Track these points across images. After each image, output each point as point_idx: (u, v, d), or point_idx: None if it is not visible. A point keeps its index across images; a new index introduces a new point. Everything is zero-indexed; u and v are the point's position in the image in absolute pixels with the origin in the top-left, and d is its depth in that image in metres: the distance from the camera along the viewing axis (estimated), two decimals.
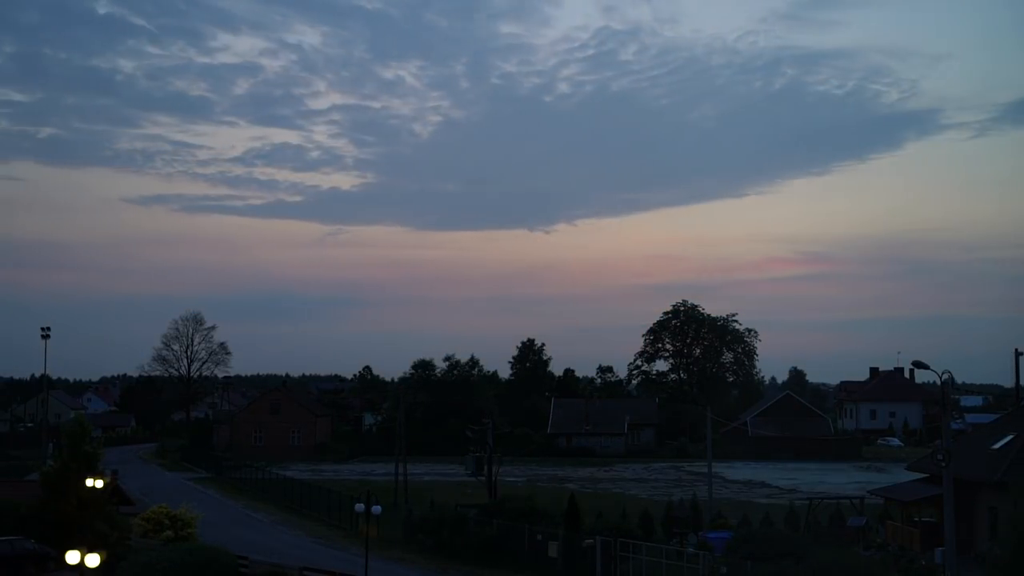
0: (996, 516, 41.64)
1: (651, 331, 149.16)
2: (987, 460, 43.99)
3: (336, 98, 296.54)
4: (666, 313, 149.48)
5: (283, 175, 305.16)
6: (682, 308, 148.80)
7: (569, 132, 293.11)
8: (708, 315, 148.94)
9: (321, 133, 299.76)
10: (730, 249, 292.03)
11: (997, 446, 44.86)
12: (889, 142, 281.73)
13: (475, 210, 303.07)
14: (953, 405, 30.25)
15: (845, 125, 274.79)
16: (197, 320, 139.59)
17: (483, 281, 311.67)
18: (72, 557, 28.35)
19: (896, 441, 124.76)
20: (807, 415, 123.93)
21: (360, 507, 37.73)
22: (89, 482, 40.68)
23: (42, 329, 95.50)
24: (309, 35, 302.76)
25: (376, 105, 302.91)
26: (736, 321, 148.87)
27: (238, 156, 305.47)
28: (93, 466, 42.18)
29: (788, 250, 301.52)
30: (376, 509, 37.37)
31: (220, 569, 37.04)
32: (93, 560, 28.33)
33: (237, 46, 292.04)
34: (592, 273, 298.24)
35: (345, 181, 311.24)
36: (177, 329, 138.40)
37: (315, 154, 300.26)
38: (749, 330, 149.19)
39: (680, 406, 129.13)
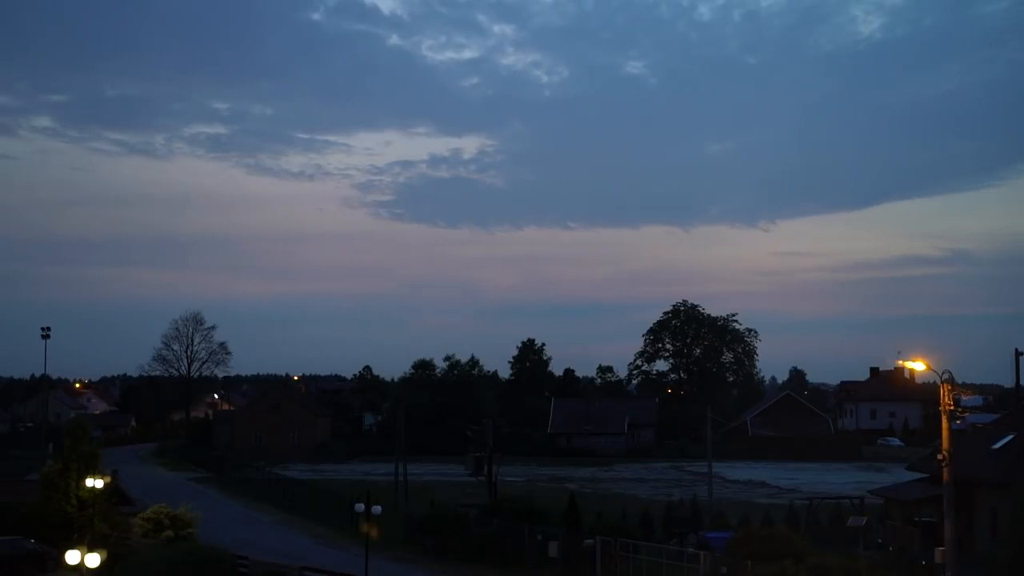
0: (996, 516, 41.66)
1: (651, 331, 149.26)
2: (987, 460, 44.00)
3: None
4: (666, 313, 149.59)
5: None
6: (682, 308, 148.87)
7: None
8: (708, 315, 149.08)
9: None
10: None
11: (997, 446, 44.88)
12: None
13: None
14: (955, 404, 30.14)
15: None
16: (197, 320, 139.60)
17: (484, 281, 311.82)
18: (72, 557, 28.38)
19: (896, 441, 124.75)
20: (807, 415, 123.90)
21: (360, 507, 37.70)
22: (89, 482, 40.68)
23: (42, 329, 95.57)
24: None
25: None
26: (736, 321, 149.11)
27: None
28: (93, 466, 42.20)
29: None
30: (376, 509, 37.34)
31: (220, 569, 37.07)
32: (93, 560, 28.36)
33: None
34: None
35: None
36: (177, 329, 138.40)
37: None
38: (749, 330, 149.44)
39: (680, 406, 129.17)
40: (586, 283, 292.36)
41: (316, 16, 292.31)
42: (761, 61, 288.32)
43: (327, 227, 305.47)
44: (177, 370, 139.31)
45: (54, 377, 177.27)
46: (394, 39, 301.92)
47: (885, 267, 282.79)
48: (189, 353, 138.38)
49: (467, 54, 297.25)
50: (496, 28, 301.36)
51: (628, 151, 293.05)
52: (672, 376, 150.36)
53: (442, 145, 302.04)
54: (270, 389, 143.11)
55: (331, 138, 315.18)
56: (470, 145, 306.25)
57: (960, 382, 30.74)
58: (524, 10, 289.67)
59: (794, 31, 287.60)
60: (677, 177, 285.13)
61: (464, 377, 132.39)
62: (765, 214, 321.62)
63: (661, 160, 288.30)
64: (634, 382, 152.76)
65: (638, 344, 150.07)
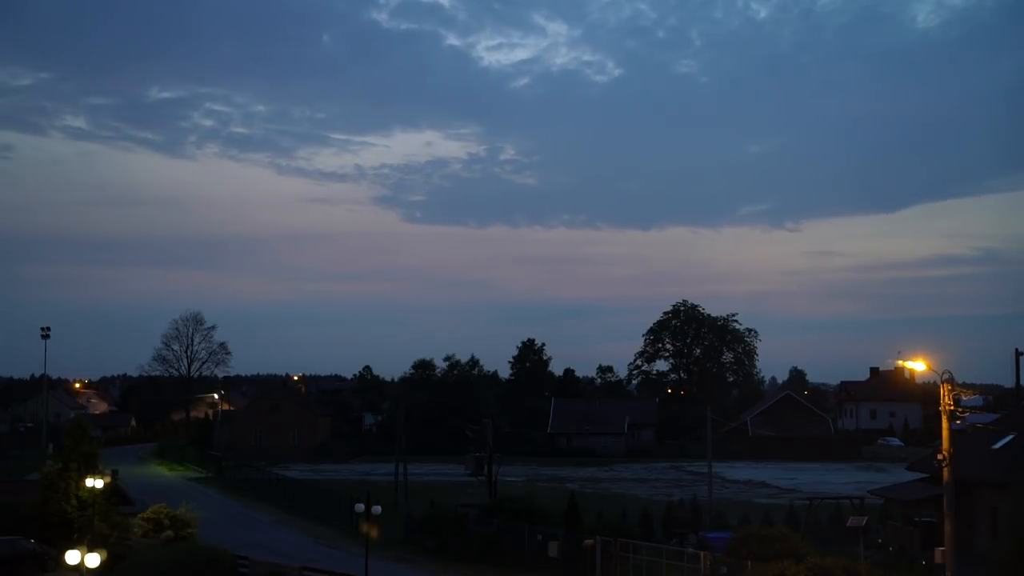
0: (996, 516, 41.68)
1: (651, 331, 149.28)
2: (987, 460, 44.00)
3: None
4: (666, 313, 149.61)
5: None
6: (682, 308, 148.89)
7: None
8: (708, 315, 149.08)
9: None
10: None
11: (997, 446, 44.87)
12: None
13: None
14: (955, 404, 30.14)
15: None
16: (197, 320, 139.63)
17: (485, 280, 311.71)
18: (72, 557, 28.38)
19: (896, 441, 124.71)
20: (807, 415, 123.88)
21: (360, 507, 37.71)
22: (89, 482, 40.71)
23: (42, 329, 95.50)
24: None
25: None
26: (736, 321, 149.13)
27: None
28: (93, 466, 42.22)
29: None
30: (376, 509, 37.35)
31: (220, 569, 37.08)
32: (93, 560, 28.36)
33: None
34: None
35: None
36: (177, 329, 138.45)
37: None
38: (749, 330, 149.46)
39: (680, 406, 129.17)
40: (600, 284, 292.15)
41: (377, 16, 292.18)
42: (812, 60, 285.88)
43: (331, 228, 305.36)
44: (177, 370, 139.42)
45: (54, 377, 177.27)
46: (451, 39, 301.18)
47: (915, 267, 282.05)
48: (189, 353, 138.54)
49: (520, 54, 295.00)
50: (551, 27, 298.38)
51: (668, 151, 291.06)
52: (672, 376, 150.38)
53: (481, 145, 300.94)
54: (270, 389, 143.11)
55: (369, 139, 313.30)
56: (509, 145, 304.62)
57: (968, 382, 30.71)
58: (580, 8, 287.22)
59: (848, 30, 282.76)
60: (713, 177, 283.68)
61: (464, 377, 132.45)
62: (794, 215, 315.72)
63: (701, 160, 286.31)
64: (634, 382, 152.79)
65: (638, 344, 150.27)
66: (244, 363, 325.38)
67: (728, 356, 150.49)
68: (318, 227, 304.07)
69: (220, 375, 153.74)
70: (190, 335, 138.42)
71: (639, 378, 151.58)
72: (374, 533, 38.08)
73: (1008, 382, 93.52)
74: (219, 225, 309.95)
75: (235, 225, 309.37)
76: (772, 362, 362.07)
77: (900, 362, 34.71)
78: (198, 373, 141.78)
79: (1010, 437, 44.94)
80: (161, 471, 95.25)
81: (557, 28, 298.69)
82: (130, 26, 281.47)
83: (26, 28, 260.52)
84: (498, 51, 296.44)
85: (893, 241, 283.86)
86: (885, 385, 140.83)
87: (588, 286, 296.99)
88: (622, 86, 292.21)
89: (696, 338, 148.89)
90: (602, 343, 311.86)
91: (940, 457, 29.64)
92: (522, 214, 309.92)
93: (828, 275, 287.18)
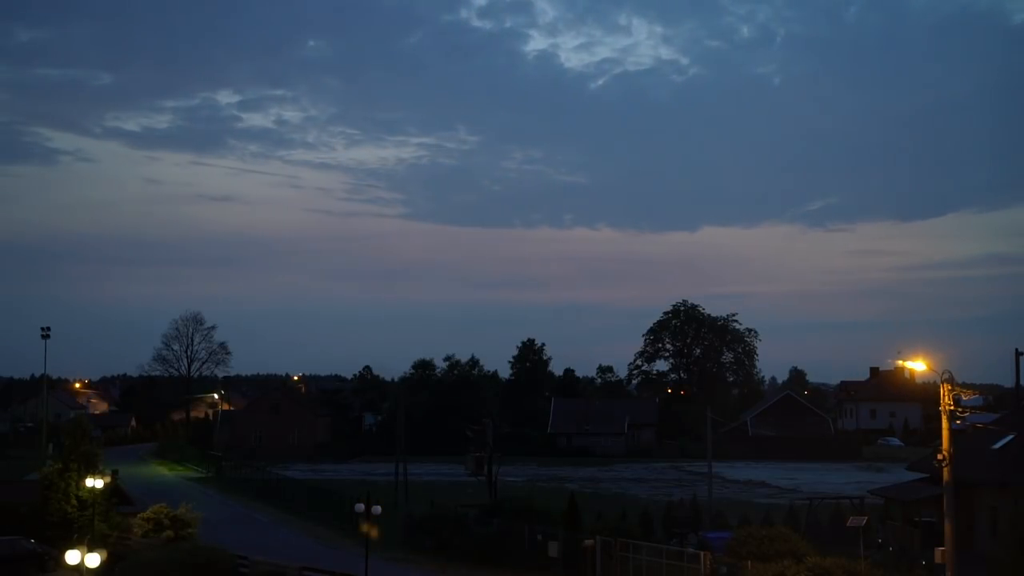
0: (996, 516, 41.67)
1: (651, 331, 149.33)
2: (987, 460, 43.99)
3: None
4: (666, 313, 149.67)
5: None
6: (682, 308, 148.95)
7: None
8: (708, 315, 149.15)
9: None
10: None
11: (997, 446, 44.87)
12: None
13: None
14: (955, 403, 30.14)
15: None
16: (197, 320, 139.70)
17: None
18: (72, 557, 28.39)
19: (896, 441, 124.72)
20: (807, 415, 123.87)
21: (360, 507, 37.71)
22: (89, 482, 40.71)
23: (42, 329, 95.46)
24: None
25: None
26: (736, 321, 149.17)
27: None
28: (93, 466, 42.23)
29: None
30: (376, 509, 37.35)
31: (220, 569, 37.06)
32: (93, 560, 28.37)
33: None
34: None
35: None
36: (177, 329, 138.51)
37: None
38: (749, 330, 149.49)
39: (680, 406, 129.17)
40: (614, 283, 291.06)
41: (465, 16, 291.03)
42: (900, 63, 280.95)
43: (336, 227, 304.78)
44: (177, 370, 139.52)
45: (54, 377, 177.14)
46: (536, 39, 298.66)
47: (920, 269, 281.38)
48: (189, 353, 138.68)
49: (601, 53, 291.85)
50: (634, 25, 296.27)
51: (730, 152, 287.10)
52: (672, 376, 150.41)
53: (537, 146, 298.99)
54: (270, 389, 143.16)
55: (425, 140, 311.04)
56: (569, 145, 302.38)
57: (969, 382, 30.73)
58: (664, 7, 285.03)
59: (939, 32, 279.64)
60: (769, 177, 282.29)
61: (464, 377, 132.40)
62: (842, 216, 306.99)
63: (764, 160, 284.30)
64: (634, 382, 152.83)
65: (638, 344, 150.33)
66: (244, 363, 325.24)
67: (728, 356, 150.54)
68: (317, 228, 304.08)
69: (220, 375, 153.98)
70: (190, 335, 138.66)
71: (639, 378, 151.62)
72: (374, 533, 38.07)
73: (1008, 382, 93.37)
74: (220, 225, 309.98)
75: (243, 225, 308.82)
76: (772, 362, 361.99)
77: (900, 362, 34.67)
78: (198, 373, 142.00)
79: (1010, 437, 44.94)
80: (161, 471, 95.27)
81: (639, 27, 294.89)
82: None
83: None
84: (581, 51, 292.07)
85: (896, 242, 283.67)
86: (885, 385, 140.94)
87: (601, 287, 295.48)
88: (694, 88, 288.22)
89: (696, 338, 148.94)
90: (602, 343, 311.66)
91: (940, 457, 29.63)
92: (570, 214, 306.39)
93: (829, 275, 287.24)
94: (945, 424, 29.46)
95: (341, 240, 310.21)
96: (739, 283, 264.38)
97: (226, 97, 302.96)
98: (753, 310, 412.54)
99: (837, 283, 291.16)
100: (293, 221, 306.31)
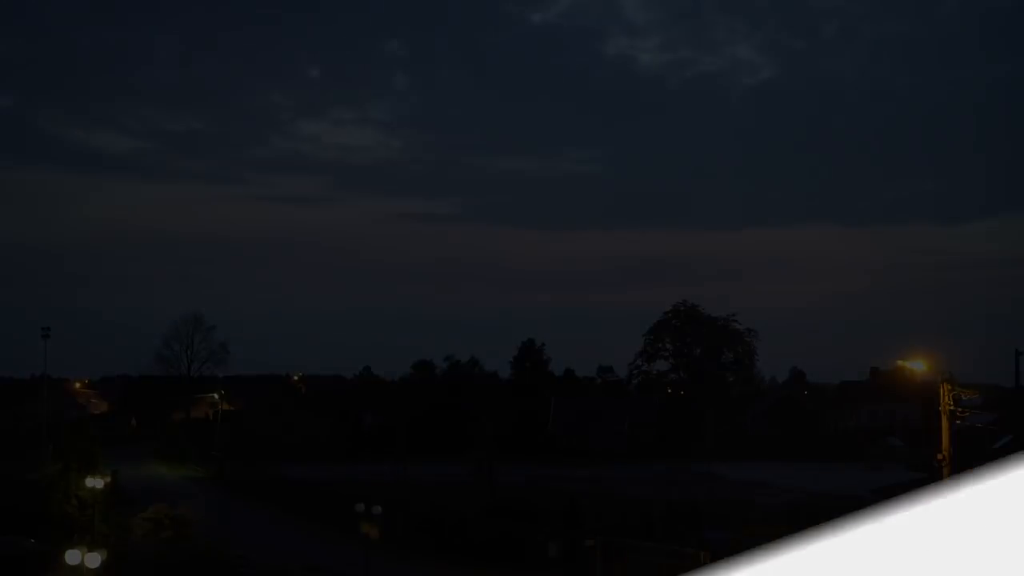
0: None
1: (651, 331, 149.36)
2: (986, 460, 44.01)
3: None
4: (666, 313, 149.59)
5: None
6: (682, 308, 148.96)
7: None
8: (708, 315, 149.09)
9: None
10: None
11: (996, 446, 44.89)
12: None
13: None
14: (955, 403, 30.17)
15: None
16: (197, 320, 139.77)
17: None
18: (72, 557, 28.42)
19: (897, 441, 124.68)
20: (807, 415, 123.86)
21: (360, 507, 37.74)
22: (89, 482, 40.73)
23: (42, 329, 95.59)
24: None
25: None
26: (736, 321, 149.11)
27: None
28: (93, 466, 42.25)
29: None
30: (376, 509, 37.37)
31: (220, 569, 37.09)
32: (93, 560, 28.40)
33: None
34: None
35: None
36: (177, 329, 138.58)
37: None
38: (749, 330, 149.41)
39: (680, 406, 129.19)
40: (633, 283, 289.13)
41: (544, 17, 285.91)
42: (1000, 65, 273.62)
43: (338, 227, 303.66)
44: (177, 370, 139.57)
45: (54, 377, 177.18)
46: (617, 38, 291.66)
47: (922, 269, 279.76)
48: (189, 353, 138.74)
49: (682, 52, 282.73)
50: (716, 21, 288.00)
51: (788, 152, 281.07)
52: (672, 376, 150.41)
53: (596, 146, 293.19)
54: (270, 389, 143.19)
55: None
56: (627, 146, 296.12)
57: (969, 382, 30.75)
58: (748, 4, 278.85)
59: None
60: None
61: (464, 377, 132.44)
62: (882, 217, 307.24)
63: (815, 161, 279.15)
64: (634, 382, 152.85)
65: (638, 344, 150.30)
66: (244, 363, 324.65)
67: (728, 356, 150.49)
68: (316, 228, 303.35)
69: (220, 375, 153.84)
70: (190, 335, 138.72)
71: (639, 378, 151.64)
72: (374, 533, 38.08)
73: (1008, 382, 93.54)
74: (220, 225, 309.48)
75: (243, 225, 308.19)
76: (772, 362, 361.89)
77: (900, 362, 34.72)
78: (198, 373, 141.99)
79: (1010, 437, 44.98)
80: (161, 471, 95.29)
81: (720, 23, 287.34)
82: None
83: None
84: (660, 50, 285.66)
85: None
86: (885, 385, 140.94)
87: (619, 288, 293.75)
88: (767, 87, 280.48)
89: (696, 338, 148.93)
90: (602, 343, 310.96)
91: (940, 457, 29.69)
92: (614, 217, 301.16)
93: (829, 275, 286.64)
94: (945, 424, 29.51)
95: (341, 239, 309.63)
96: (740, 283, 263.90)
97: None
98: (753, 310, 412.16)
99: (841, 283, 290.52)
100: (293, 221, 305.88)
